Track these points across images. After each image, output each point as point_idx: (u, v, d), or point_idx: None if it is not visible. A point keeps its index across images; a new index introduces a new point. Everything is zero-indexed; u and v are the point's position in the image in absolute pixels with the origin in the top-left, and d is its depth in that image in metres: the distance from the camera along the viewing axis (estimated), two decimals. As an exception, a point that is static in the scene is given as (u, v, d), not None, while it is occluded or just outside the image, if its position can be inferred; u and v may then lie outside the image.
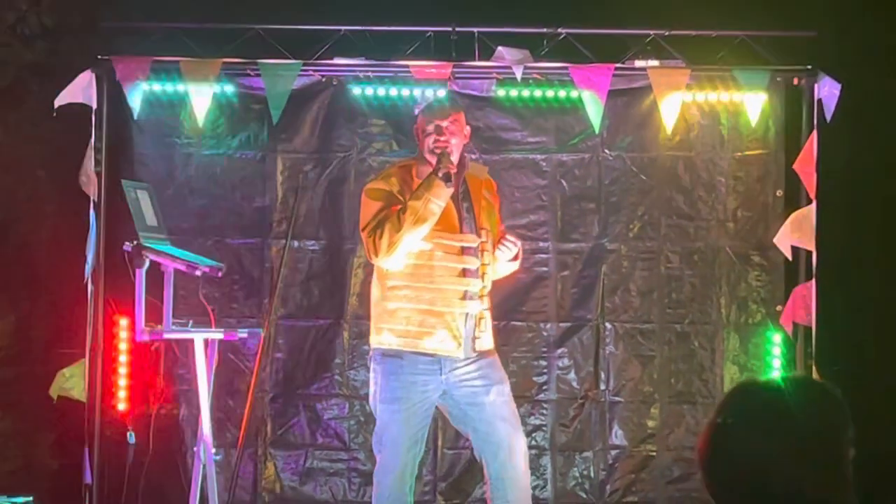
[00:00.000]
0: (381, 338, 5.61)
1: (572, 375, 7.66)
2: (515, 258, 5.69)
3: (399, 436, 5.55)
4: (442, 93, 7.52)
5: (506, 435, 5.58)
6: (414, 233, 5.44)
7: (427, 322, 5.54)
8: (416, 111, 7.48)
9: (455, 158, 5.58)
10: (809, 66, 7.36)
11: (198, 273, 6.09)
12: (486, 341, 5.66)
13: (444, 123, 5.63)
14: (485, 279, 5.62)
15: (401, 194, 5.56)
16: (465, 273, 5.57)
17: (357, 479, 7.59)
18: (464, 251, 5.58)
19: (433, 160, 5.57)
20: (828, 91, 7.18)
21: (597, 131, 7.45)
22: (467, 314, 5.56)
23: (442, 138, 5.60)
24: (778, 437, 2.40)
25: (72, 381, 7.24)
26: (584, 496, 7.62)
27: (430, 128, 5.63)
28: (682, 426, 7.63)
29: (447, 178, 5.44)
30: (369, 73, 7.54)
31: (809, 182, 7.27)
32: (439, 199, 5.44)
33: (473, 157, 6.94)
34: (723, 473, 2.46)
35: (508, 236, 5.64)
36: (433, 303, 5.54)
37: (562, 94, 7.57)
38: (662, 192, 7.69)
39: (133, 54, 7.33)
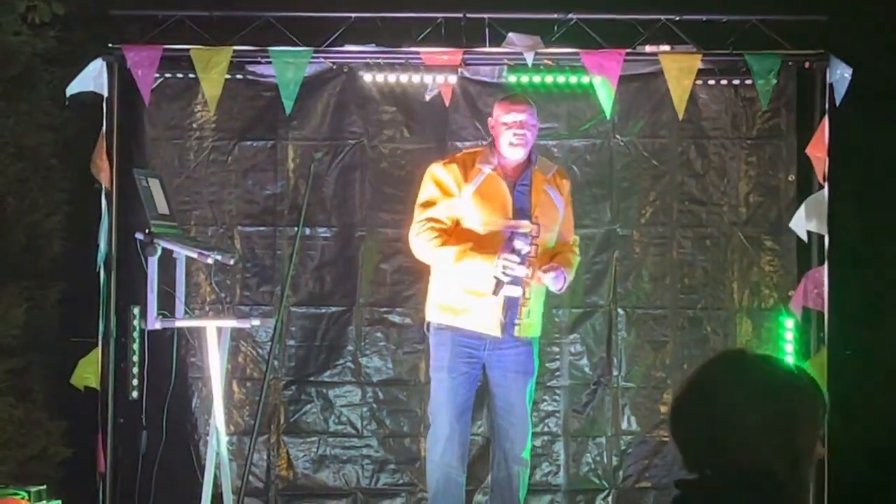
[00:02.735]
0: (433, 311, 5.89)
1: (585, 361, 7.65)
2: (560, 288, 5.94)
3: (446, 402, 5.83)
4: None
5: (507, 427, 5.73)
6: (435, 261, 5.82)
7: (468, 301, 5.67)
8: (427, 97, 7.52)
9: (524, 153, 5.86)
10: (821, 51, 7.34)
11: (209, 261, 6.11)
12: (528, 329, 5.76)
13: (523, 117, 5.75)
14: (530, 267, 5.71)
15: (456, 183, 5.83)
16: None
17: (370, 466, 7.59)
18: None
19: (511, 153, 5.83)
20: (839, 75, 7.16)
21: (608, 117, 7.44)
22: (506, 298, 5.64)
23: (521, 132, 5.74)
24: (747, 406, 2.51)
25: (89, 370, 7.27)
26: (597, 482, 7.62)
27: (510, 120, 5.75)
28: (695, 412, 7.61)
29: (494, 291, 5.63)
30: (380, 60, 7.54)
31: (821, 166, 7.26)
32: (471, 265, 5.67)
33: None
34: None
35: (553, 270, 5.83)
36: (477, 283, 5.60)
37: (573, 79, 7.54)
38: (674, 178, 7.67)
39: (144, 42, 7.35)
